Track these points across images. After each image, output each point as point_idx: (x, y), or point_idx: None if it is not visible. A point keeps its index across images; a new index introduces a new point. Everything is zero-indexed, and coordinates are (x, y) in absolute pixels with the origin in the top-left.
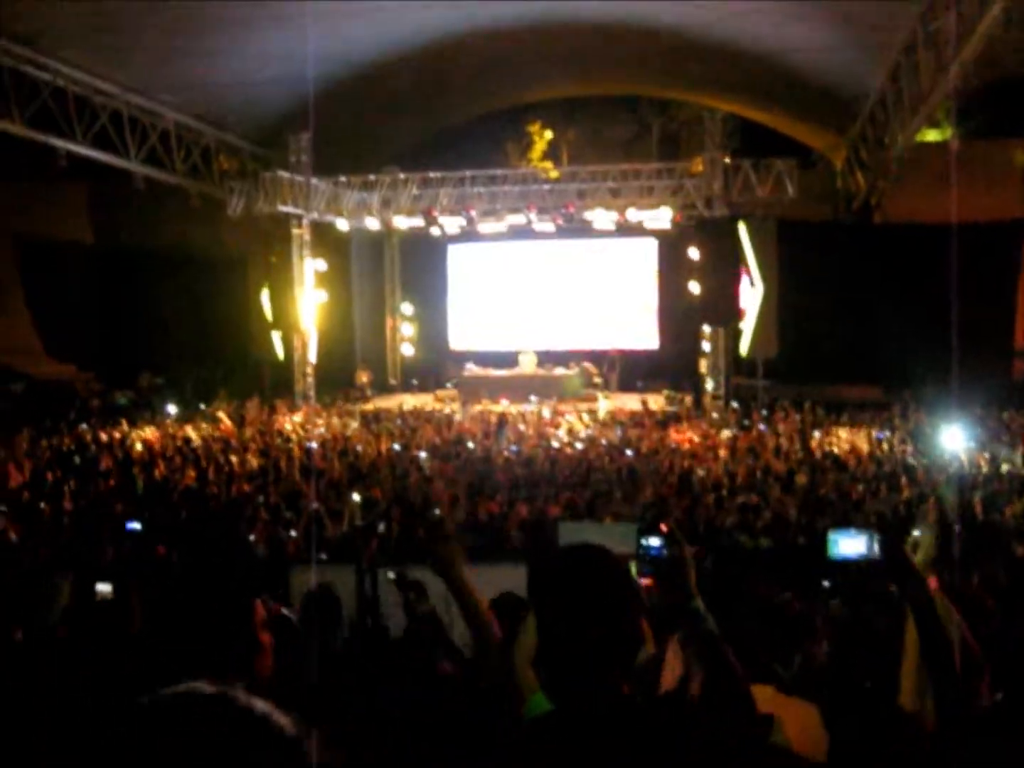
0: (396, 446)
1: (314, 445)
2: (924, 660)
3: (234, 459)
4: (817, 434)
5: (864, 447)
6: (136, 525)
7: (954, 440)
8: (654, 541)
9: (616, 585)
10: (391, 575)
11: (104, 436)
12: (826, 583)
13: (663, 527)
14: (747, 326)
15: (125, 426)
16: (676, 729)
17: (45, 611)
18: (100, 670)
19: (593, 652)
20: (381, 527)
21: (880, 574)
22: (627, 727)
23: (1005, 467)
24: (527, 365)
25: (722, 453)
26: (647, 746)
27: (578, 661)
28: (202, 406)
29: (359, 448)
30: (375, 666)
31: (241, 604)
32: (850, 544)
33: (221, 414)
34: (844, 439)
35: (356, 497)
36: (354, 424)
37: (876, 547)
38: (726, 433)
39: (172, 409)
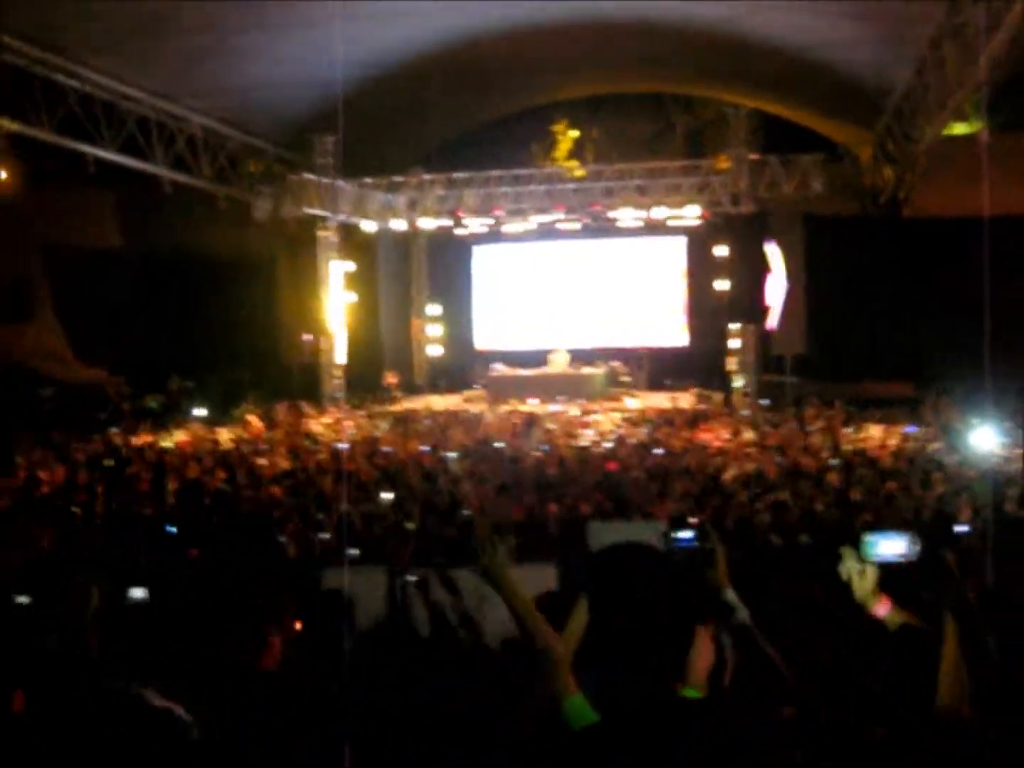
0: (425, 447)
1: (343, 446)
2: (964, 660)
3: (263, 461)
4: (847, 431)
5: (895, 443)
6: (173, 529)
7: (987, 436)
8: (684, 534)
9: (666, 583)
10: (411, 578)
11: (135, 440)
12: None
13: (692, 520)
14: (775, 322)
15: (155, 430)
16: (720, 725)
17: (76, 616)
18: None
19: (647, 649)
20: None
21: (918, 575)
22: (681, 730)
23: None
24: (558, 363)
25: (752, 451)
26: (696, 746)
27: (634, 659)
28: (231, 409)
29: (388, 449)
30: (402, 668)
31: (255, 603)
32: (888, 546)
33: (250, 417)
34: (875, 436)
35: (386, 497)
36: (383, 425)
37: (914, 549)
38: (751, 434)
39: (201, 412)
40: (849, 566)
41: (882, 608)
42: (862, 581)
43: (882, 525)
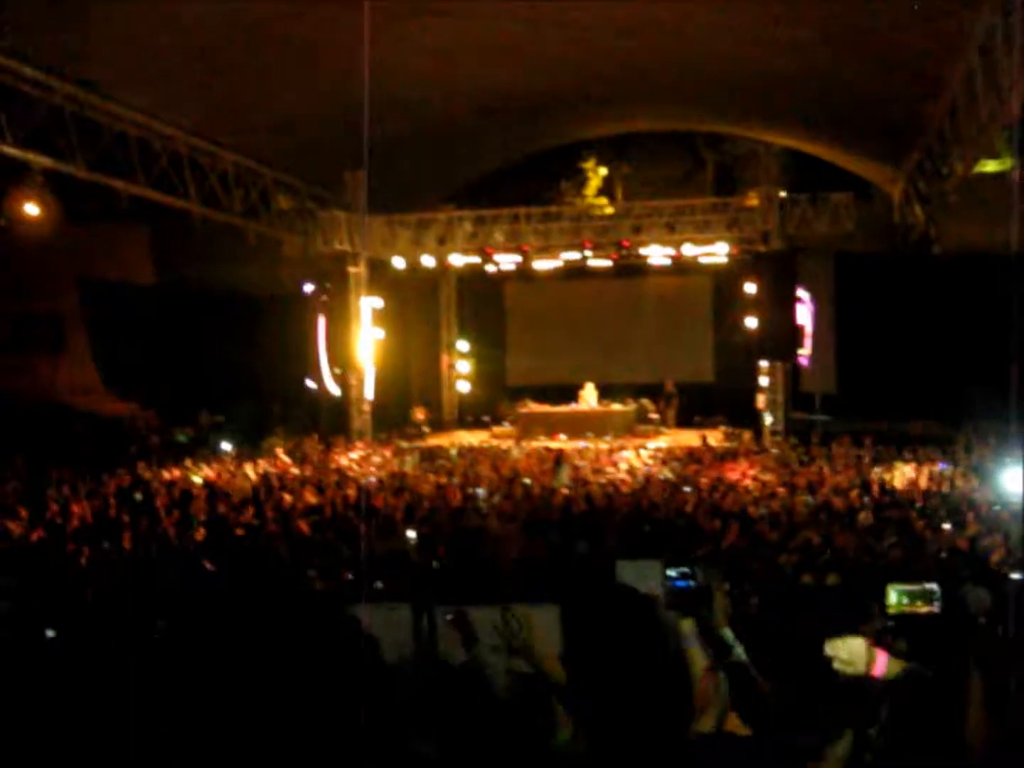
0: (453, 483)
1: (372, 481)
2: (990, 712)
3: (288, 497)
4: (878, 469)
5: (926, 483)
6: (201, 564)
7: (1019, 476)
8: (678, 572)
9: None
10: (448, 616)
11: (165, 474)
12: (891, 623)
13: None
14: (807, 361)
15: (185, 464)
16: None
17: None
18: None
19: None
20: (436, 564)
21: (941, 627)
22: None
23: None
24: (587, 399)
25: (780, 491)
26: None
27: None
28: (260, 443)
29: (416, 485)
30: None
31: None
32: (912, 601)
33: (279, 451)
34: (906, 475)
35: (412, 535)
36: (410, 461)
37: (936, 601)
38: (781, 472)
39: (230, 447)
40: (901, 593)
41: (879, 667)
42: (848, 660)
43: (911, 567)
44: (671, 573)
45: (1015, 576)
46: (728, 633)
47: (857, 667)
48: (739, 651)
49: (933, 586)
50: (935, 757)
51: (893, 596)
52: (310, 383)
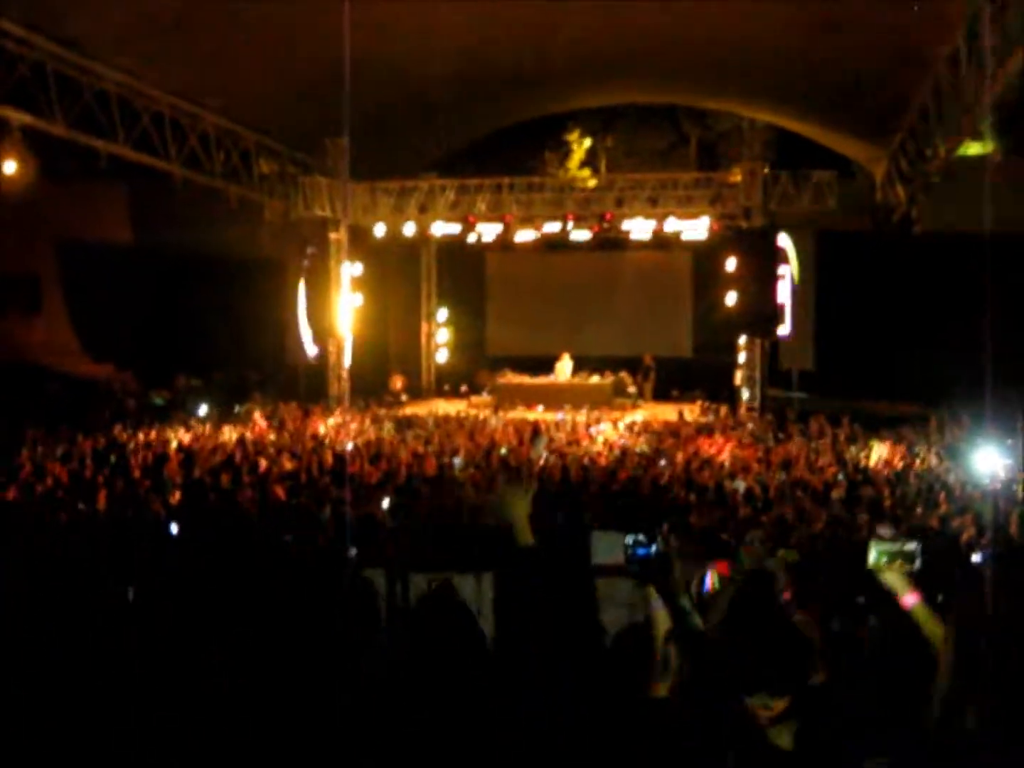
0: (429, 452)
1: (348, 448)
2: (961, 674)
3: (264, 462)
4: (853, 448)
5: (900, 462)
6: (174, 528)
7: (991, 457)
8: (637, 540)
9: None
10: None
11: (141, 436)
12: (861, 599)
13: (651, 527)
14: (787, 331)
15: (161, 426)
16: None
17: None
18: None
19: None
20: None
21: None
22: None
23: None
24: (563, 372)
25: (755, 466)
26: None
27: None
28: (236, 408)
29: (392, 453)
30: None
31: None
32: (890, 559)
33: (257, 416)
34: (881, 454)
35: (386, 502)
36: (387, 428)
37: (917, 559)
38: (756, 448)
39: (206, 410)
40: (881, 552)
41: (911, 598)
42: (892, 570)
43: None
44: (629, 541)
45: (975, 558)
46: (686, 601)
47: (894, 578)
48: (696, 619)
49: (913, 545)
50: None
51: (873, 554)
52: (289, 348)
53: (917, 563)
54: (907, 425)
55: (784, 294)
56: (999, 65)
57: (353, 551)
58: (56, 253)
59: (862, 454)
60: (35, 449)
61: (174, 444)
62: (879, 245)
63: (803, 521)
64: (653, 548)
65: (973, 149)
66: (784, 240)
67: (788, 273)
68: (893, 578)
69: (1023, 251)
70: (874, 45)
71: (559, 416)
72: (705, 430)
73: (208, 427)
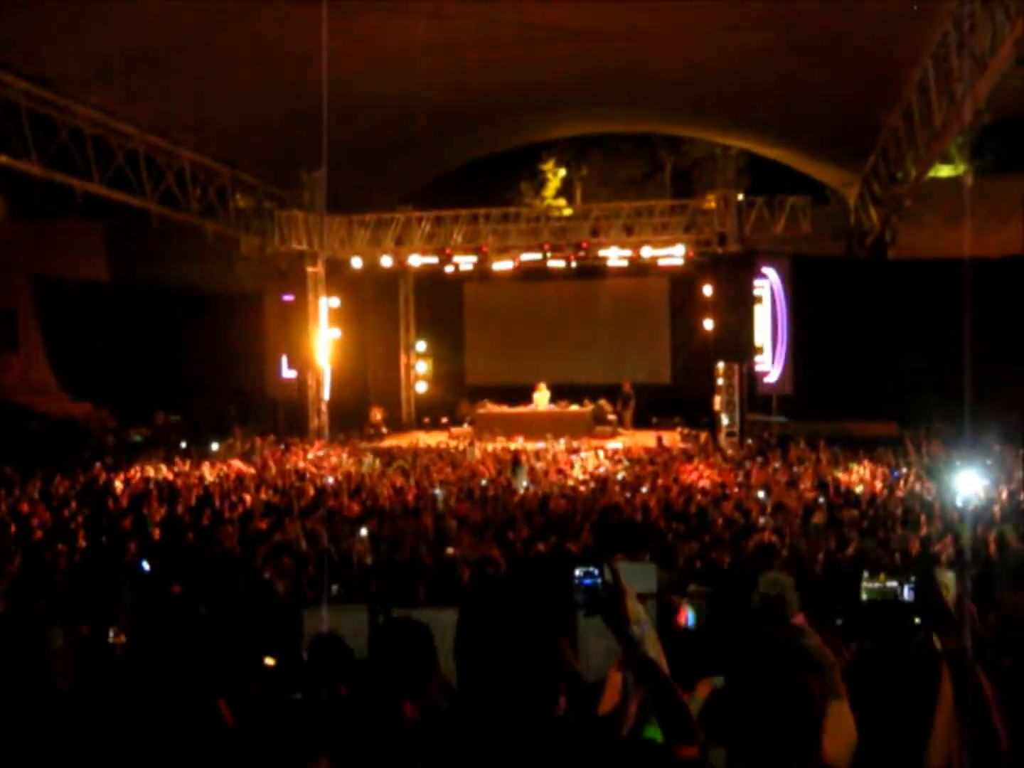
0: (410, 484)
1: (329, 482)
2: (959, 715)
3: (247, 497)
4: (833, 471)
5: (880, 484)
6: (146, 565)
7: (970, 477)
8: (584, 571)
9: None
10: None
11: (119, 474)
12: (839, 622)
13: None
14: (763, 363)
15: (140, 464)
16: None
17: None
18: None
19: None
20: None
21: (909, 619)
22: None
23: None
24: (541, 401)
25: (736, 492)
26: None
27: None
28: (215, 446)
29: (373, 486)
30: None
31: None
32: (883, 587)
33: (235, 456)
34: (860, 476)
35: (364, 533)
36: (368, 461)
37: (908, 591)
38: (737, 473)
39: (186, 447)
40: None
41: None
42: (946, 585)
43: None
44: (577, 572)
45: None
46: (635, 630)
47: (950, 592)
48: (646, 649)
49: (894, 584)
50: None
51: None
52: (267, 383)
53: (907, 597)
54: (885, 447)
55: (761, 320)
56: (968, 89)
57: (335, 588)
58: (33, 291)
59: (842, 477)
60: (11, 490)
61: (152, 482)
62: (854, 269)
63: (784, 546)
64: (599, 579)
65: (945, 172)
66: (761, 267)
67: (765, 299)
68: (950, 581)
69: (996, 272)
70: (845, 71)
71: (539, 445)
72: (685, 456)
73: (188, 464)
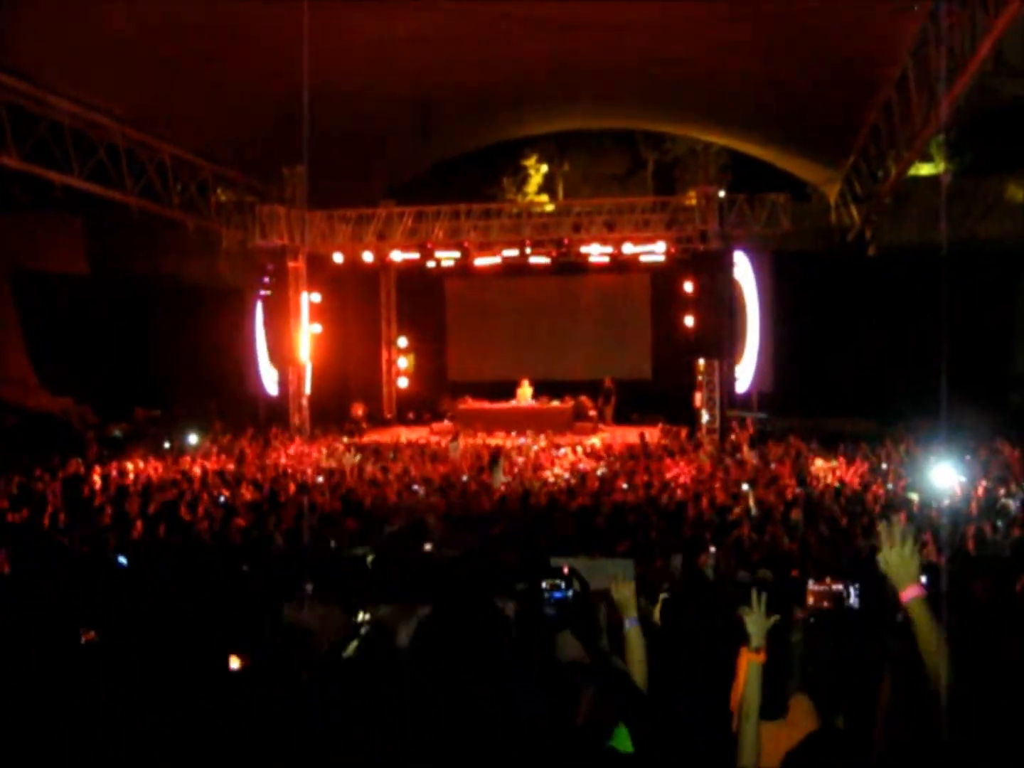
0: (390, 479)
1: (308, 478)
2: (897, 720)
3: (227, 493)
4: (812, 467)
5: (859, 480)
6: (124, 560)
7: (947, 473)
8: (553, 584)
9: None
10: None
11: (99, 470)
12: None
13: (564, 569)
14: (744, 359)
15: (120, 459)
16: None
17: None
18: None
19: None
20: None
21: (856, 625)
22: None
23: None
24: (524, 397)
25: (716, 487)
26: None
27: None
28: (195, 441)
29: (353, 483)
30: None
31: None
32: (827, 595)
33: (214, 449)
34: (839, 472)
35: (347, 529)
36: (348, 457)
37: (854, 595)
38: (716, 469)
39: (167, 443)
40: (895, 536)
41: (912, 591)
42: (903, 561)
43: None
44: (546, 585)
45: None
46: (605, 642)
47: (900, 584)
48: (616, 660)
49: (840, 586)
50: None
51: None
52: (248, 378)
53: (852, 602)
54: (864, 442)
55: (741, 317)
56: (947, 87)
57: (309, 586)
58: (11, 285)
59: (821, 473)
60: None
61: (132, 477)
62: (834, 266)
63: (763, 541)
64: (569, 592)
65: (924, 170)
66: (742, 264)
67: (747, 296)
68: (900, 569)
69: (973, 269)
70: (826, 69)
71: (520, 441)
72: (666, 452)
73: (168, 459)
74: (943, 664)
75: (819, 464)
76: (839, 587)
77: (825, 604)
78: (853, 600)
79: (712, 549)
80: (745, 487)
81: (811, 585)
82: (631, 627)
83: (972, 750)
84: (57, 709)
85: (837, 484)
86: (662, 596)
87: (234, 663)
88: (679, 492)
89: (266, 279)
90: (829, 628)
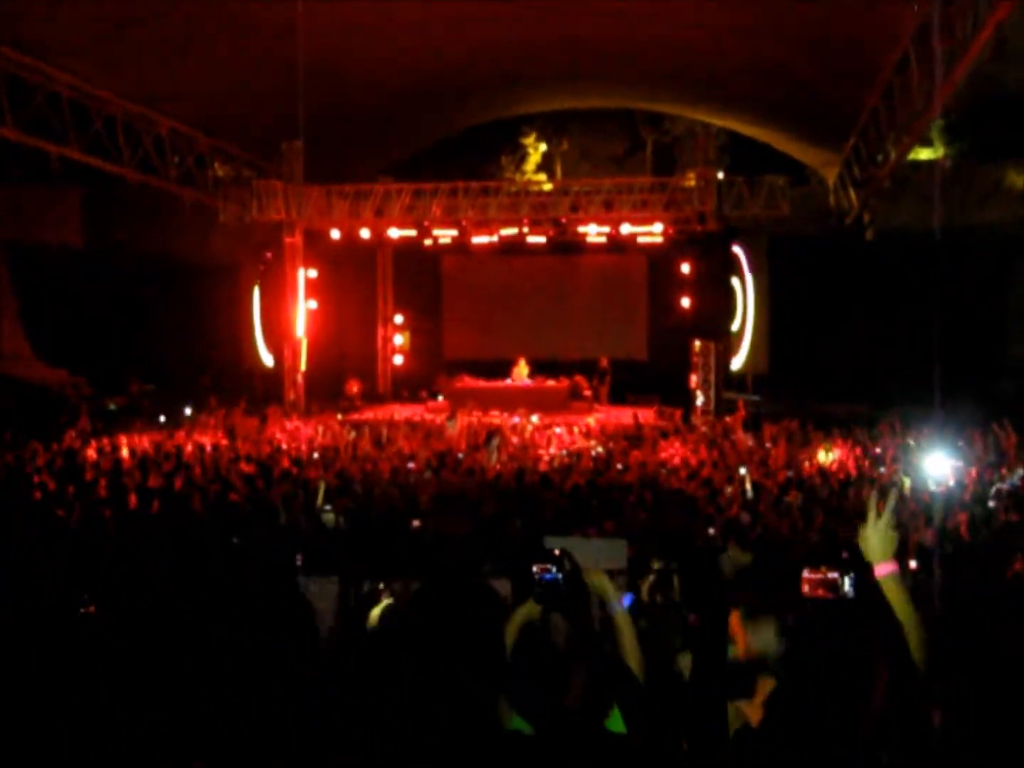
0: (385, 456)
1: (302, 454)
2: (892, 710)
3: (223, 467)
4: (806, 450)
5: (852, 464)
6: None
7: (941, 459)
8: (545, 567)
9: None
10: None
11: (95, 443)
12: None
13: (555, 551)
14: (740, 341)
15: (115, 432)
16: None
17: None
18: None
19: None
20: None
21: (850, 615)
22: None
23: (996, 485)
24: (520, 376)
25: (709, 469)
26: None
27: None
28: (188, 411)
29: (347, 458)
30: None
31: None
32: (819, 585)
33: (211, 422)
34: (834, 456)
35: (328, 508)
36: (343, 433)
37: (848, 584)
38: (710, 451)
39: (161, 416)
40: (879, 511)
41: (886, 567)
42: (880, 537)
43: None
44: (536, 568)
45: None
46: (596, 627)
47: (874, 559)
48: (606, 644)
49: (835, 575)
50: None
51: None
52: (244, 352)
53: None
54: (859, 427)
55: (738, 299)
56: (948, 71)
57: (299, 559)
58: (7, 257)
59: (816, 457)
60: None
61: (125, 451)
62: (831, 249)
63: (758, 524)
64: (559, 575)
65: (923, 154)
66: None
67: (745, 278)
68: (878, 545)
69: (971, 255)
70: (827, 52)
71: (514, 420)
72: (660, 433)
73: (163, 432)
74: (919, 641)
75: (821, 454)
76: (834, 575)
77: (820, 592)
78: (848, 589)
79: (711, 531)
80: (743, 471)
81: (806, 573)
82: (617, 611)
83: (964, 737)
84: (55, 688)
85: (834, 467)
86: (651, 575)
87: None
88: (674, 473)
89: (263, 254)
90: (822, 617)
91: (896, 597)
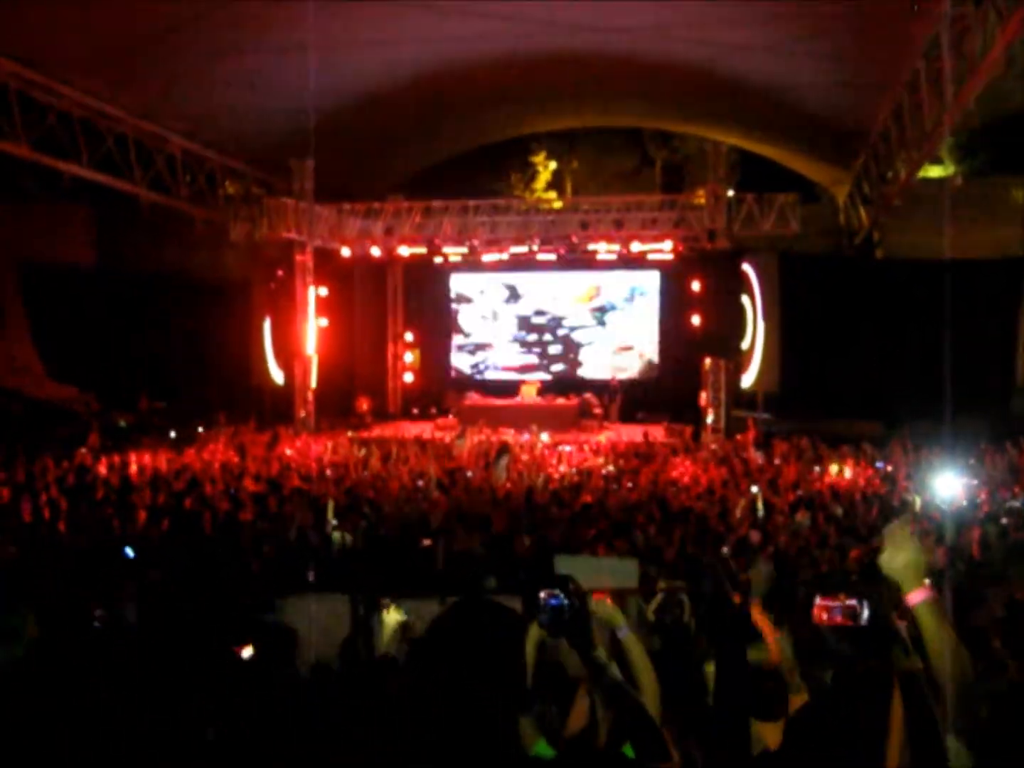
0: (395, 474)
1: (313, 471)
2: (909, 739)
3: (233, 485)
4: (816, 469)
5: (863, 484)
6: (130, 551)
7: (952, 478)
8: (551, 592)
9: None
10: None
11: (104, 460)
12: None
13: (562, 575)
14: (751, 359)
15: (124, 449)
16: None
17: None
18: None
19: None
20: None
21: (866, 643)
22: None
23: (1009, 503)
24: (529, 394)
25: (720, 489)
26: None
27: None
28: (201, 430)
29: (357, 477)
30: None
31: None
32: (836, 612)
33: (221, 440)
34: (844, 475)
35: (335, 523)
36: (353, 451)
37: (865, 614)
38: (720, 470)
39: (172, 433)
40: (902, 537)
41: (920, 594)
42: (908, 563)
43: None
44: (542, 594)
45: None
46: (602, 652)
47: (905, 586)
48: (613, 670)
49: (853, 601)
50: None
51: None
52: (254, 371)
53: (864, 617)
54: (869, 445)
55: (748, 317)
56: (958, 90)
57: (311, 575)
58: (19, 274)
59: (827, 476)
60: None
61: (134, 468)
62: (842, 267)
63: (769, 544)
64: (565, 600)
65: (934, 172)
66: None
67: (754, 304)
68: (907, 568)
69: (982, 273)
70: (837, 70)
71: (524, 437)
72: (670, 452)
73: (173, 450)
74: (959, 667)
75: (834, 469)
76: (852, 602)
77: (838, 620)
78: (865, 616)
79: (724, 549)
80: (754, 489)
81: (819, 600)
82: (624, 635)
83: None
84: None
85: (846, 487)
86: (659, 595)
87: (246, 652)
88: (685, 491)
89: (273, 272)
90: (839, 644)
91: (931, 625)
